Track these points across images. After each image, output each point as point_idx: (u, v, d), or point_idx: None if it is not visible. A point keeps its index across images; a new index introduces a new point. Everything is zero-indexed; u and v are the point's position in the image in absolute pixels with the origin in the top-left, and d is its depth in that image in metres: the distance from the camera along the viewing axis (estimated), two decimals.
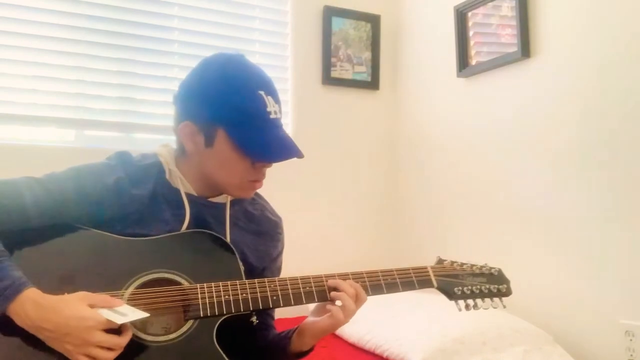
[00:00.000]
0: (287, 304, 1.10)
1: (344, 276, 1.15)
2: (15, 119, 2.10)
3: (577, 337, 1.83)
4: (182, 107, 1.16)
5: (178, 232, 1.14)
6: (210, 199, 1.21)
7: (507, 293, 1.24)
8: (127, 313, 0.97)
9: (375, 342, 1.84)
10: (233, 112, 1.09)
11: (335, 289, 1.13)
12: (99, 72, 2.24)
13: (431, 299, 1.95)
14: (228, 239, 1.18)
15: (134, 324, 1.00)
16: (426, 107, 2.63)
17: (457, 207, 2.40)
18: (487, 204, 2.24)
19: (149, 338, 1.02)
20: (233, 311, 1.06)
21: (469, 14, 2.33)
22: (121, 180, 1.12)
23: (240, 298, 1.07)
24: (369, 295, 1.15)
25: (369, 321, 1.88)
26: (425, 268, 1.22)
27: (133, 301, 1.03)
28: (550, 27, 1.97)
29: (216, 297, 1.06)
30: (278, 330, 1.28)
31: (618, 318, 1.71)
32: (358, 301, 1.13)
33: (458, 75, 2.38)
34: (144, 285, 1.06)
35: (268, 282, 1.11)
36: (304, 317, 1.20)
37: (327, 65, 2.64)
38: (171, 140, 1.26)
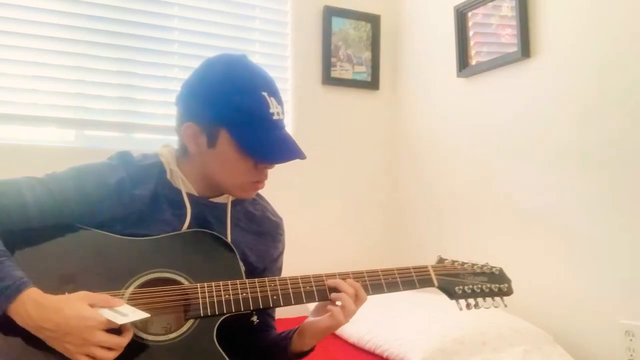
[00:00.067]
0: (287, 303, 1.10)
1: (345, 275, 1.15)
2: (15, 119, 2.10)
3: (577, 337, 1.83)
4: (185, 108, 1.16)
5: (178, 232, 1.14)
6: (211, 199, 1.21)
7: (509, 292, 1.24)
8: (127, 313, 0.97)
9: (375, 342, 1.84)
10: (236, 113, 1.09)
11: (335, 289, 1.13)
12: (99, 72, 2.24)
13: (431, 299, 1.95)
14: (229, 239, 1.19)
15: (134, 323, 1.00)
16: (426, 107, 2.63)
17: (457, 206, 2.40)
18: (487, 204, 2.24)
19: (150, 338, 1.02)
20: (233, 310, 1.06)
21: (469, 14, 2.33)
22: (122, 180, 1.13)
23: (240, 297, 1.07)
24: (369, 294, 1.15)
25: (369, 321, 1.88)
26: (426, 267, 1.22)
27: (133, 301, 1.03)
28: (550, 27, 1.97)
29: (216, 296, 1.06)
30: (278, 331, 1.28)
31: (618, 318, 1.71)
32: (358, 301, 1.12)
33: (458, 75, 2.38)
34: (145, 284, 1.06)
35: (268, 281, 1.11)
36: (305, 317, 1.20)
37: (327, 65, 2.65)
38: (171, 140, 1.26)
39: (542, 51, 2.01)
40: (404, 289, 1.18)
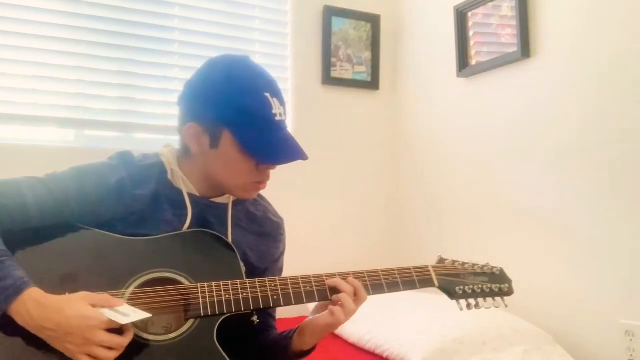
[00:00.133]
0: (287, 303, 1.10)
1: (345, 276, 1.15)
2: (15, 119, 2.10)
3: (577, 337, 1.83)
4: (187, 108, 1.16)
5: (179, 232, 1.14)
6: (212, 200, 1.21)
7: (509, 292, 1.23)
8: (128, 313, 0.97)
9: (375, 342, 1.84)
10: (239, 113, 1.09)
11: (335, 289, 1.13)
12: (99, 72, 2.24)
13: (431, 299, 1.95)
14: (230, 239, 1.19)
15: (135, 323, 1.00)
16: (426, 107, 2.63)
17: (457, 206, 2.40)
18: (486, 204, 2.24)
19: (150, 337, 1.02)
20: (234, 310, 1.06)
21: (469, 14, 2.33)
22: (123, 180, 1.13)
23: (240, 297, 1.07)
24: (370, 294, 1.15)
25: (369, 321, 1.88)
26: (427, 267, 1.22)
27: (134, 300, 1.03)
28: (550, 27, 1.98)
29: (217, 296, 1.06)
30: (279, 331, 1.28)
31: (618, 318, 1.71)
32: (358, 300, 1.12)
33: (458, 75, 2.38)
34: (145, 284, 1.06)
35: (269, 281, 1.11)
36: (305, 317, 1.20)
37: (327, 65, 2.65)
38: (172, 140, 1.26)
39: (542, 51, 2.01)
40: (405, 289, 1.18)
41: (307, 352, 1.18)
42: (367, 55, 2.75)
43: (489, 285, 1.22)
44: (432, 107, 2.59)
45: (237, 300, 1.07)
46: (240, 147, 1.10)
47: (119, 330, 0.97)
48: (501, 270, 1.26)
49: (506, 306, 1.23)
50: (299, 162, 1.15)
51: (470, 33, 2.33)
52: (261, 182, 1.17)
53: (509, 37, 2.12)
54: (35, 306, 0.93)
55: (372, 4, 2.78)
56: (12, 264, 0.97)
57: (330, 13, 2.65)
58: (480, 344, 1.68)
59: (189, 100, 1.16)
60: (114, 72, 2.28)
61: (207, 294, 1.06)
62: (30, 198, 1.05)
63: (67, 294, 0.99)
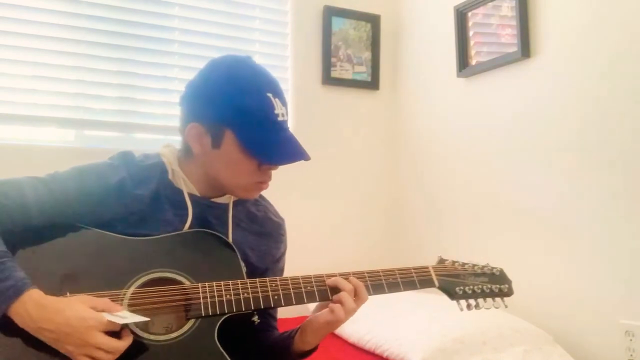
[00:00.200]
0: (288, 303, 1.10)
1: (346, 276, 1.15)
2: (15, 119, 2.10)
3: (577, 337, 1.83)
4: (189, 109, 1.16)
5: (180, 232, 1.14)
6: (213, 200, 1.21)
7: (509, 293, 1.24)
8: (127, 317, 0.97)
9: (375, 342, 1.84)
10: (241, 114, 1.09)
11: (335, 288, 1.13)
12: (99, 72, 2.25)
13: (431, 299, 1.95)
14: (230, 240, 1.19)
15: (135, 323, 1.00)
16: (426, 107, 2.63)
17: (457, 207, 2.40)
18: (486, 204, 2.24)
19: (151, 337, 1.02)
20: (234, 310, 1.06)
21: (469, 14, 2.33)
22: (124, 180, 1.13)
23: (241, 297, 1.07)
24: (370, 294, 1.15)
25: (369, 321, 1.88)
26: (427, 268, 1.22)
27: (134, 300, 1.04)
28: (550, 27, 1.98)
29: (217, 296, 1.06)
30: (280, 331, 1.28)
31: (618, 318, 1.71)
32: (359, 299, 1.12)
33: (458, 75, 2.38)
34: (146, 284, 1.06)
35: (269, 281, 1.11)
36: (305, 317, 1.20)
37: (327, 65, 2.65)
38: (171, 140, 1.26)
39: (542, 51, 2.01)
40: (405, 289, 1.18)
41: (309, 352, 1.18)
42: (367, 55, 2.75)
43: (489, 286, 1.22)
44: (432, 107, 2.59)
45: (237, 300, 1.07)
46: (243, 148, 1.10)
47: (118, 334, 0.97)
48: (501, 271, 1.26)
49: (506, 307, 1.23)
50: (300, 162, 1.15)
51: (470, 33, 2.33)
52: (263, 182, 1.17)
53: (509, 37, 2.12)
54: (35, 307, 0.93)
55: (372, 4, 2.78)
56: (12, 264, 0.96)
57: (330, 13, 2.65)
58: (480, 343, 1.68)
59: (191, 101, 1.16)
60: (114, 72, 2.28)
61: (207, 294, 1.06)
62: (31, 198, 1.05)
63: (67, 294, 1.00)
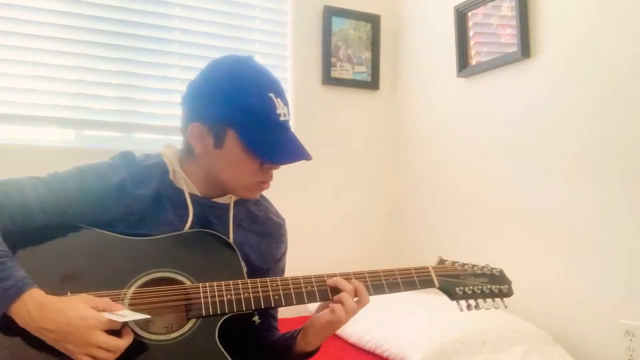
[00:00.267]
0: (288, 303, 1.10)
1: (346, 276, 1.15)
2: (15, 119, 2.10)
3: (577, 337, 1.83)
4: (191, 108, 1.16)
5: (180, 232, 1.14)
6: (213, 200, 1.21)
7: (509, 294, 1.24)
8: (128, 315, 0.97)
9: (375, 342, 1.84)
10: (244, 113, 1.09)
11: (336, 288, 1.13)
12: (99, 72, 2.24)
13: (430, 299, 1.95)
14: (231, 240, 1.19)
15: (136, 323, 1.01)
16: (426, 107, 2.63)
17: (457, 207, 2.40)
18: (486, 204, 2.24)
19: (151, 337, 1.02)
20: (235, 310, 1.06)
21: (469, 14, 2.33)
22: (124, 180, 1.13)
23: (242, 297, 1.07)
24: (370, 295, 1.15)
25: (369, 321, 1.88)
26: (427, 268, 1.23)
27: (135, 300, 1.04)
28: (550, 27, 1.98)
29: (218, 296, 1.06)
30: (281, 331, 1.28)
31: (618, 318, 1.71)
32: (360, 302, 1.13)
33: (458, 75, 2.38)
34: (146, 284, 1.07)
35: (270, 281, 1.11)
36: (306, 317, 1.20)
37: (327, 65, 2.65)
38: (171, 140, 1.27)
39: (542, 51, 2.01)
40: (405, 290, 1.18)
41: (311, 354, 1.18)
42: (367, 55, 2.75)
43: (488, 286, 1.22)
44: (432, 107, 2.59)
45: (238, 300, 1.07)
46: (245, 147, 1.11)
47: (119, 333, 0.97)
48: (501, 272, 1.26)
49: (506, 307, 1.23)
50: (299, 162, 1.15)
51: (470, 33, 2.33)
52: (265, 182, 1.17)
53: (509, 37, 2.12)
54: (36, 307, 0.93)
55: (372, 4, 2.78)
56: (13, 264, 0.97)
57: (330, 13, 2.65)
58: (480, 344, 1.69)
59: (193, 100, 1.16)
60: (114, 72, 2.28)
61: (208, 293, 1.06)
62: (32, 198, 1.05)
63: (68, 293, 1.00)
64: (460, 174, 2.39)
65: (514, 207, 2.11)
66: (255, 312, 1.16)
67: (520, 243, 2.07)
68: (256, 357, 1.24)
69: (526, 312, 1.88)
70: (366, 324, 1.89)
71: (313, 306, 1.20)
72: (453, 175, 2.43)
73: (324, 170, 2.62)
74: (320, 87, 2.66)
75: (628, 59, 1.71)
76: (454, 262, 1.27)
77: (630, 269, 1.69)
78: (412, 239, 2.68)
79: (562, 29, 1.94)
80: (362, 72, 2.74)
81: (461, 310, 1.21)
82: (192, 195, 1.18)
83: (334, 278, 1.14)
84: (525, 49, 2.04)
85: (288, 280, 1.12)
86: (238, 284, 1.09)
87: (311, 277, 1.14)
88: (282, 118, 1.12)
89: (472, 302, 1.21)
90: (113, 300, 1.01)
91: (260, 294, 1.09)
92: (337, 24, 2.68)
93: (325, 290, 1.13)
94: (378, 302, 1.29)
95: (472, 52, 2.33)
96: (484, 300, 1.22)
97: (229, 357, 1.03)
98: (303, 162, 1.16)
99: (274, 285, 1.11)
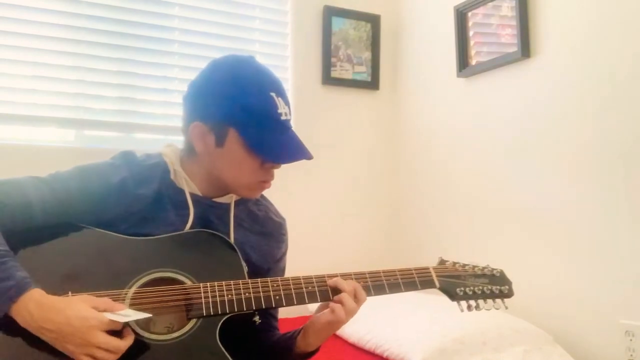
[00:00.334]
0: (289, 303, 1.10)
1: (347, 276, 1.15)
2: (15, 119, 2.10)
3: (577, 337, 1.84)
4: (192, 108, 1.16)
5: (181, 232, 1.15)
6: (214, 200, 1.21)
7: (509, 294, 1.24)
8: (129, 315, 0.97)
9: (375, 342, 1.84)
10: (245, 112, 1.09)
11: (336, 288, 1.13)
12: (99, 72, 2.24)
13: (430, 299, 1.95)
14: (232, 239, 1.19)
15: (137, 322, 1.01)
16: (426, 107, 2.63)
17: (457, 207, 2.40)
18: (486, 204, 2.24)
19: (152, 337, 1.02)
20: (236, 310, 1.06)
21: (469, 14, 2.33)
22: (125, 180, 1.13)
23: (243, 297, 1.08)
24: (371, 295, 1.15)
25: (369, 321, 1.88)
26: (428, 268, 1.23)
27: (136, 300, 1.04)
28: (550, 27, 1.98)
29: (219, 296, 1.06)
30: (281, 331, 1.29)
31: (618, 318, 1.72)
32: (357, 300, 1.13)
33: (458, 75, 2.38)
34: (147, 284, 1.07)
35: (271, 281, 1.11)
36: (306, 317, 1.20)
37: (327, 65, 2.65)
38: (172, 140, 1.27)
39: (542, 51, 2.01)
40: (406, 290, 1.18)
41: (311, 354, 1.18)
42: (367, 55, 2.75)
43: (489, 287, 1.22)
44: (432, 107, 2.59)
45: (239, 300, 1.07)
46: (246, 146, 1.11)
47: (119, 333, 0.97)
48: (501, 272, 1.26)
49: (506, 308, 1.23)
50: (299, 162, 1.16)
51: (470, 33, 2.33)
52: (266, 181, 1.17)
53: (509, 37, 2.12)
54: (37, 307, 0.93)
55: (372, 4, 2.78)
56: (14, 264, 0.97)
57: (330, 13, 2.65)
58: (480, 344, 1.69)
59: (194, 100, 1.16)
60: (114, 72, 2.28)
61: (209, 293, 1.06)
62: (33, 198, 1.05)
63: (69, 293, 1.00)
64: (460, 174, 2.39)
65: (514, 207, 2.11)
66: (256, 312, 1.17)
67: (520, 243, 2.07)
68: (256, 357, 1.24)
69: (526, 312, 1.89)
70: (366, 324, 1.89)
71: (313, 306, 1.20)
72: (453, 175, 2.44)
73: (324, 170, 2.62)
74: (320, 87, 2.66)
75: (628, 59, 1.71)
76: (454, 263, 1.27)
77: (630, 269, 1.69)
78: (412, 239, 2.68)
79: (562, 29, 1.94)
80: (362, 72, 2.74)
81: (462, 310, 1.21)
82: (192, 195, 1.18)
83: (335, 278, 1.14)
84: (525, 49, 2.04)
85: (289, 280, 1.13)
86: (239, 284, 1.09)
87: (312, 277, 1.14)
88: (283, 117, 1.13)
89: (472, 302, 1.21)
90: (114, 300, 1.01)
91: (261, 294, 1.09)
92: (337, 24, 2.68)
93: (326, 291, 1.13)
94: (378, 302, 1.29)
95: (472, 52, 2.33)
96: (485, 301, 1.22)
97: (229, 357, 1.03)
98: (303, 162, 1.16)
99: (275, 285, 1.11)
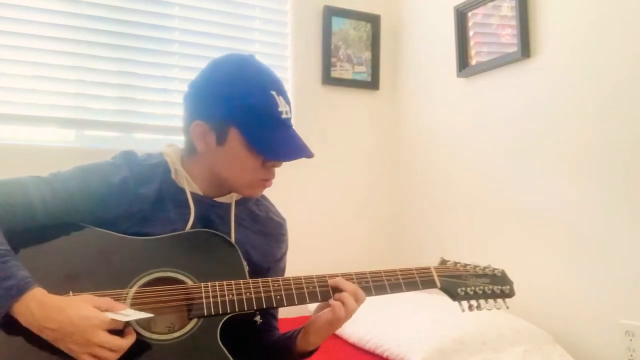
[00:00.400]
0: (290, 303, 1.10)
1: (348, 276, 1.15)
2: (15, 119, 2.10)
3: (577, 337, 1.84)
4: (193, 107, 1.16)
5: (182, 232, 1.14)
6: (215, 199, 1.21)
7: (511, 294, 1.24)
8: (130, 314, 0.97)
9: (375, 342, 1.84)
10: (246, 111, 1.10)
11: (337, 288, 1.13)
12: (99, 72, 2.24)
13: (430, 299, 1.95)
14: (233, 239, 1.19)
15: (138, 322, 1.01)
16: (426, 107, 2.63)
17: (457, 207, 2.40)
18: (486, 204, 2.24)
19: (153, 336, 1.02)
20: (237, 310, 1.06)
21: (469, 14, 2.33)
22: (126, 179, 1.13)
23: (244, 297, 1.08)
24: (372, 295, 1.15)
25: (369, 321, 1.89)
26: (429, 268, 1.23)
27: (137, 299, 1.04)
28: (550, 27, 1.98)
29: (220, 296, 1.06)
30: (281, 331, 1.29)
31: (618, 318, 1.72)
32: (357, 300, 1.13)
33: (458, 75, 2.38)
34: (149, 284, 1.07)
35: (272, 281, 1.11)
36: (306, 317, 1.20)
37: (327, 65, 2.65)
38: (172, 140, 1.27)
39: (542, 51, 2.01)
40: (407, 290, 1.18)
41: (311, 353, 1.18)
42: (367, 55, 2.75)
43: (490, 287, 1.23)
44: (432, 107, 2.59)
45: (240, 301, 1.07)
46: (247, 144, 1.11)
47: (121, 332, 0.97)
48: (503, 272, 1.27)
49: (507, 308, 1.24)
50: (300, 162, 1.16)
51: (470, 33, 2.33)
52: (267, 179, 1.17)
53: (509, 37, 2.12)
54: (38, 306, 0.93)
55: (372, 4, 2.78)
56: (15, 263, 0.97)
57: (330, 13, 2.65)
58: (480, 344, 1.69)
59: (195, 99, 1.16)
60: (114, 72, 2.28)
61: (210, 293, 1.06)
62: (35, 197, 1.05)
63: (71, 293, 1.00)
64: (460, 174, 2.39)
65: (514, 207, 2.11)
66: (257, 312, 1.17)
67: (521, 243, 2.07)
68: (257, 357, 1.24)
69: (526, 312, 1.89)
70: (366, 324, 1.89)
71: (313, 306, 1.20)
72: (453, 175, 2.44)
73: (324, 170, 2.62)
74: (320, 87, 2.66)
75: (628, 59, 1.72)
76: (456, 263, 1.27)
77: (630, 269, 1.69)
78: (412, 239, 2.68)
79: (562, 29, 1.94)
80: (362, 72, 2.74)
81: (463, 310, 1.21)
82: (193, 194, 1.18)
83: (336, 278, 1.14)
84: (525, 49, 2.04)
85: (290, 280, 1.13)
86: (240, 284, 1.09)
87: (313, 277, 1.14)
88: (284, 116, 1.13)
89: (473, 302, 1.21)
90: (115, 300, 1.01)
91: (262, 294, 1.09)
92: (337, 24, 2.68)
93: (327, 291, 1.13)
94: (378, 302, 1.29)
95: (472, 52, 2.33)
96: (486, 301, 1.22)
97: (230, 357, 1.03)
98: (303, 161, 1.16)
99: (276, 285, 1.11)
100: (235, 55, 1.18)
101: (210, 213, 1.19)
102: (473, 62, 2.32)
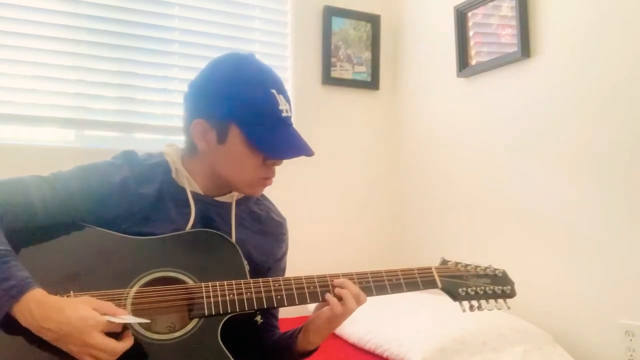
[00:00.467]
0: (291, 303, 1.11)
1: (349, 276, 1.16)
2: (15, 119, 2.10)
3: (577, 337, 1.84)
4: (194, 105, 1.17)
5: (183, 231, 1.15)
6: (216, 198, 1.21)
7: (512, 294, 1.24)
8: (127, 318, 0.97)
9: (375, 342, 1.84)
10: (247, 109, 1.10)
11: (341, 288, 1.13)
12: (99, 72, 2.24)
13: (431, 299, 1.95)
14: (233, 238, 1.19)
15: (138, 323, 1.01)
16: (426, 107, 2.63)
17: (457, 207, 2.40)
18: (486, 204, 2.24)
19: (154, 337, 1.02)
20: (237, 310, 1.06)
21: (469, 14, 2.33)
22: (127, 179, 1.13)
23: (244, 297, 1.08)
24: (373, 295, 1.15)
25: (369, 321, 1.89)
26: (430, 269, 1.23)
27: (138, 299, 1.04)
28: (550, 27, 1.98)
29: (221, 296, 1.06)
30: (282, 331, 1.29)
31: (618, 318, 1.72)
32: (358, 302, 1.13)
33: (458, 75, 2.38)
34: (149, 283, 1.07)
35: (272, 281, 1.11)
36: (306, 317, 1.20)
37: (327, 65, 2.65)
38: (172, 140, 1.27)
39: (542, 51, 2.01)
40: (408, 290, 1.18)
41: (311, 352, 1.18)
42: (367, 55, 2.75)
43: (491, 287, 1.22)
44: (432, 107, 2.59)
45: (241, 300, 1.07)
46: (248, 142, 1.11)
47: (119, 335, 0.97)
48: (504, 273, 1.26)
49: (509, 308, 1.23)
50: (300, 162, 1.16)
51: (470, 33, 2.33)
52: (267, 177, 1.18)
53: (509, 37, 2.13)
54: (37, 306, 0.93)
55: (372, 4, 2.78)
56: (15, 263, 0.96)
57: (330, 13, 2.65)
58: (480, 344, 1.69)
59: (196, 97, 1.17)
60: (114, 72, 2.27)
61: (211, 293, 1.06)
62: (36, 197, 1.05)
63: (71, 292, 1.00)
64: (460, 174, 2.39)
65: (514, 207, 2.11)
66: (258, 312, 1.17)
67: (521, 243, 2.07)
68: (257, 357, 1.24)
69: (526, 312, 1.88)
70: (366, 324, 1.89)
71: (313, 306, 1.20)
72: (453, 175, 2.44)
73: (324, 170, 2.62)
74: (320, 87, 2.66)
75: (628, 59, 1.72)
76: (457, 263, 1.27)
77: (630, 269, 1.69)
78: (412, 239, 2.68)
79: (562, 29, 1.94)
80: (362, 72, 2.74)
81: (464, 311, 1.21)
82: (194, 194, 1.18)
83: (337, 280, 1.14)
84: (525, 49, 2.04)
85: (290, 280, 1.13)
86: (240, 284, 1.09)
87: (314, 277, 1.14)
88: (284, 114, 1.14)
89: (474, 303, 1.21)
90: (116, 300, 1.01)
91: (263, 294, 1.09)
92: (337, 24, 2.68)
93: (328, 291, 1.13)
94: (379, 302, 1.29)
95: (472, 52, 2.33)
96: (487, 301, 1.22)
97: (231, 357, 1.04)
98: (303, 161, 1.17)
99: (277, 285, 1.11)
100: (236, 54, 1.18)
101: (211, 212, 1.20)
102: (473, 62, 2.32)
